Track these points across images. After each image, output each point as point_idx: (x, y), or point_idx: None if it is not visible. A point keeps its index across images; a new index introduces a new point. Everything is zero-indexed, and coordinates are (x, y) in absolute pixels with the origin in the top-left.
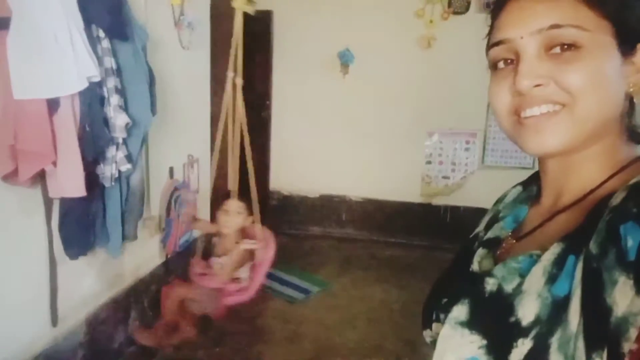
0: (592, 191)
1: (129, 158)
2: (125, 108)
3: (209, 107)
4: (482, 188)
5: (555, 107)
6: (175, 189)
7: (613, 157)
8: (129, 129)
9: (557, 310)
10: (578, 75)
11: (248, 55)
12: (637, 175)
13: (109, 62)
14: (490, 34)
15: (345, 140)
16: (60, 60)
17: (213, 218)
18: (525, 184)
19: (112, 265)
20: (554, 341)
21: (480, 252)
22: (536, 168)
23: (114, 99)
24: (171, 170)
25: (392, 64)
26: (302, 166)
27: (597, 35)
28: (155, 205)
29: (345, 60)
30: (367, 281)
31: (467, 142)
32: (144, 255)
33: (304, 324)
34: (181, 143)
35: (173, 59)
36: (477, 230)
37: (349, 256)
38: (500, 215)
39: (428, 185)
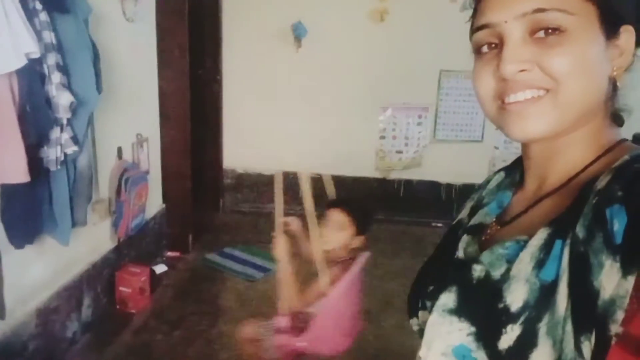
0: (576, 175)
1: (74, 140)
2: (68, 86)
3: (156, 82)
4: (434, 162)
5: (539, 93)
6: (125, 169)
7: (597, 140)
8: (73, 108)
9: (545, 295)
10: (562, 60)
11: (196, 29)
12: (620, 157)
13: (49, 36)
14: (473, 17)
15: (300, 115)
16: None
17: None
18: (508, 169)
19: (61, 252)
20: (543, 326)
21: (465, 238)
22: (485, 141)
23: (56, 77)
24: (119, 150)
25: (345, 37)
26: (256, 142)
27: (582, 19)
28: (104, 188)
29: (298, 33)
30: None
31: (420, 117)
32: (94, 240)
33: (265, 302)
34: (129, 121)
35: (117, 33)
36: (460, 216)
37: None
38: (484, 201)
39: (382, 159)
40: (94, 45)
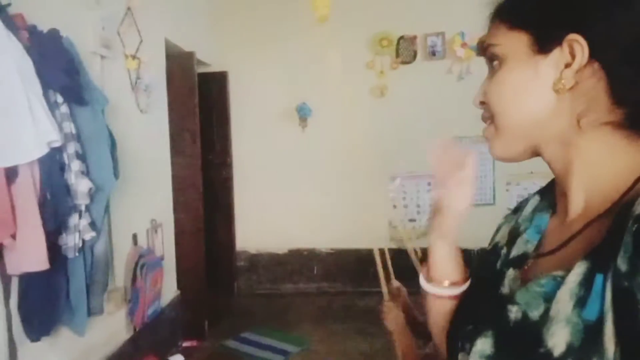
0: (617, 202)
1: (93, 226)
2: (87, 173)
3: (169, 169)
4: None
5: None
6: (140, 256)
7: (618, 159)
8: (92, 194)
9: (590, 336)
10: (490, 88)
11: (206, 116)
12: None
13: (69, 127)
14: None
15: (310, 192)
16: (18, 126)
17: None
18: (543, 192)
19: (76, 344)
20: None
21: (511, 273)
22: (497, 203)
23: (75, 165)
24: (135, 236)
25: (349, 114)
26: (268, 223)
27: (508, 47)
28: (120, 275)
29: (303, 114)
30: (346, 334)
31: (429, 184)
32: (110, 330)
33: None
34: (144, 207)
35: (132, 123)
36: (496, 239)
37: (325, 310)
38: (521, 228)
39: (395, 229)
40: (110, 134)
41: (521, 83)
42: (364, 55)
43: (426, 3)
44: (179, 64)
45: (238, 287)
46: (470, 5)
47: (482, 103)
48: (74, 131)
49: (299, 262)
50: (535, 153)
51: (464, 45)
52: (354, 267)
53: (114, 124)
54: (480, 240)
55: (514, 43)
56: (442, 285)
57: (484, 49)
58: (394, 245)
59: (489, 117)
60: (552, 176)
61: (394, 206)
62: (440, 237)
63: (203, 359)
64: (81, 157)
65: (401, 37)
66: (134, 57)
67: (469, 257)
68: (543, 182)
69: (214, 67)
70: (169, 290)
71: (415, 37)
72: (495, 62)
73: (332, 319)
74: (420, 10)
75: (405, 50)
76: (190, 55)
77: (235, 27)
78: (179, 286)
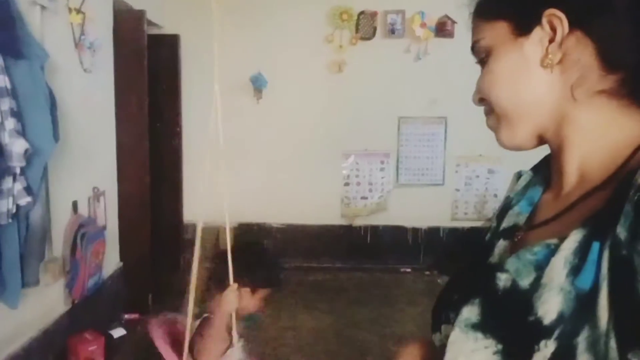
0: (616, 171)
1: (28, 190)
2: (23, 133)
3: (114, 134)
4: (399, 206)
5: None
6: (81, 225)
7: (617, 130)
8: (28, 156)
9: (582, 305)
10: (483, 80)
11: (155, 81)
12: None
13: (3, 81)
14: None
15: (262, 166)
16: None
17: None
18: (536, 168)
19: (9, 317)
20: (582, 340)
21: (501, 243)
22: (446, 184)
23: (9, 123)
24: (75, 204)
25: (305, 88)
26: (218, 195)
27: (491, 38)
28: (58, 245)
29: (258, 84)
30: (295, 310)
31: (382, 163)
32: (46, 303)
33: None
34: (85, 174)
35: (74, 83)
36: (489, 224)
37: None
38: (513, 202)
39: (347, 206)
40: (50, 93)
41: (510, 67)
42: (323, 28)
43: None
44: (127, 23)
45: (184, 261)
46: None
47: (481, 100)
48: (9, 86)
49: (249, 235)
50: (541, 138)
51: (423, 25)
52: (304, 242)
53: (54, 83)
54: (429, 219)
55: (496, 33)
56: None
57: (472, 49)
58: (345, 222)
59: (490, 110)
60: (498, 160)
61: (346, 183)
62: None
63: (146, 333)
64: (17, 115)
65: (361, 12)
66: (78, 10)
67: (419, 236)
68: (491, 165)
69: (166, 30)
70: (111, 262)
71: (375, 13)
72: (484, 56)
73: (282, 294)
74: None
75: (365, 26)
76: (140, 14)
77: None
78: (122, 258)
